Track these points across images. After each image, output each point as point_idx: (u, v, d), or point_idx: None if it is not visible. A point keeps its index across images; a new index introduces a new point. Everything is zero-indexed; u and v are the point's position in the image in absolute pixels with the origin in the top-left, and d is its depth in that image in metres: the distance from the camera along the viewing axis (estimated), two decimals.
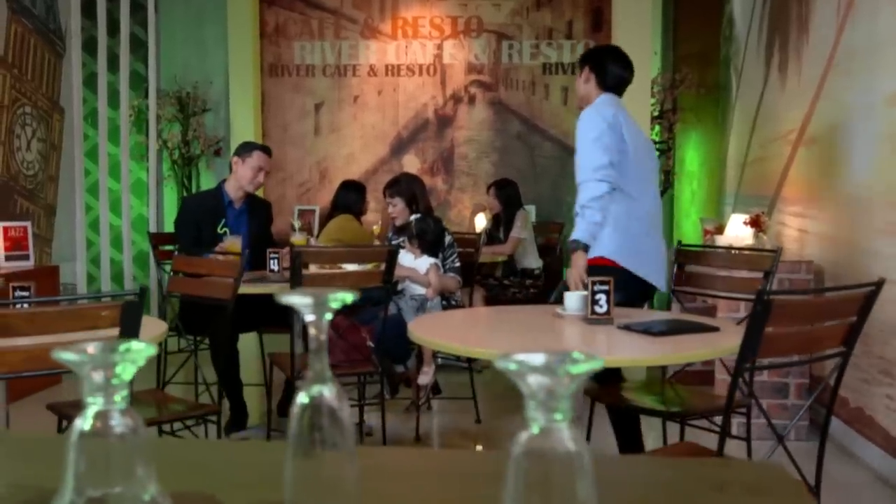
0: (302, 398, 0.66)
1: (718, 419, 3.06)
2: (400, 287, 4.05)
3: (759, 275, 2.93)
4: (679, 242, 3.22)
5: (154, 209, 6.32)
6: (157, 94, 6.56)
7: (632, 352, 2.16)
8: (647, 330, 2.31)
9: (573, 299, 2.61)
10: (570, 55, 6.97)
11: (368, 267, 3.58)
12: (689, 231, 6.88)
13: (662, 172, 6.37)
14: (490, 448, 3.98)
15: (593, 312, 2.48)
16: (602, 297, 2.49)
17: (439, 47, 7.06)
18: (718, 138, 6.34)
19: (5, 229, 4.78)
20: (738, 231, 4.46)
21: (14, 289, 2.34)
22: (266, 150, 4.13)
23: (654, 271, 3.14)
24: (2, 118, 5.20)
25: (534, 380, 0.63)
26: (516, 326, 2.60)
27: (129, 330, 1.73)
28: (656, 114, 5.92)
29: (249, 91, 6.93)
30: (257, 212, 4.16)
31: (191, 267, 3.05)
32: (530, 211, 6.18)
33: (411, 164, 7.16)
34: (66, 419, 2.71)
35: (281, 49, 7.14)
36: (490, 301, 5.13)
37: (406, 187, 4.25)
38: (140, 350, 0.68)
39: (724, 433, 1.79)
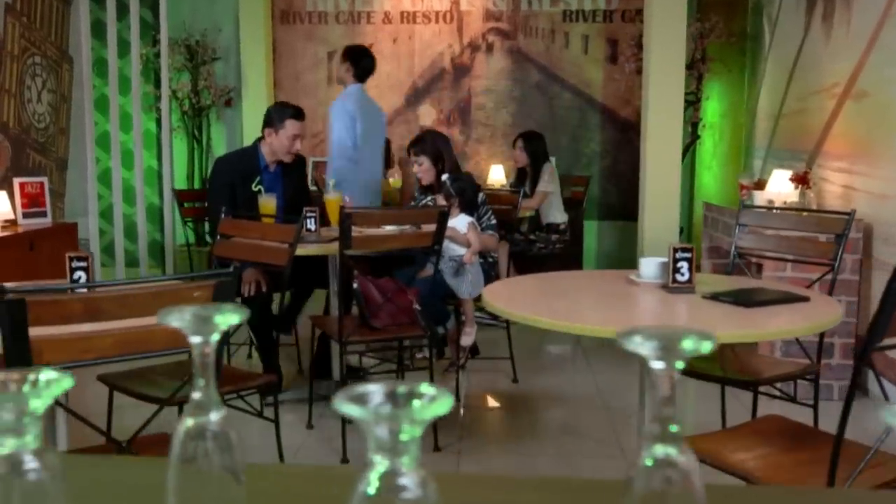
0: (646, 461, 0.55)
1: (780, 384, 2.99)
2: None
3: (821, 236, 2.86)
4: (742, 203, 3.11)
5: (167, 162, 6.13)
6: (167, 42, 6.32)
7: (729, 325, 2.05)
8: (737, 301, 2.22)
9: (650, 266, 2.51)
10: (591, 2, 6.75)
11: (406, 228, 3.46)
12: (710, 184, 6.76)
13: (689, 124, 6.22)
14: (529, 409, 3.93)
15: (675, 281, 2.39)
16: (684, 265, 2.39)
17: None
18: (745, 89, 6.18)
19: (22, 185, 4.60)
20: (780, 188, 4.35)
21: (71, 259, 2.21)
22: (298, 114, 3.86)
23: None
24: (13, 69, 4.98)
25: None
26: (593, 295, 2.50)
27: None
28: (686, 64, 5.72)
29: (260, 39, 6.69)
30: (293, 171, 4.00)
31: (241, 231, 2.90)
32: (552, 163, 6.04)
33: (427, 114, 6.98)
34: (117, 391, 2.62)
35: None
36: (516, 257, 4.99)
37: (431, 145, 4.08)
38: (439, 402, 0.57)
39: (846, 418, 1.70)
